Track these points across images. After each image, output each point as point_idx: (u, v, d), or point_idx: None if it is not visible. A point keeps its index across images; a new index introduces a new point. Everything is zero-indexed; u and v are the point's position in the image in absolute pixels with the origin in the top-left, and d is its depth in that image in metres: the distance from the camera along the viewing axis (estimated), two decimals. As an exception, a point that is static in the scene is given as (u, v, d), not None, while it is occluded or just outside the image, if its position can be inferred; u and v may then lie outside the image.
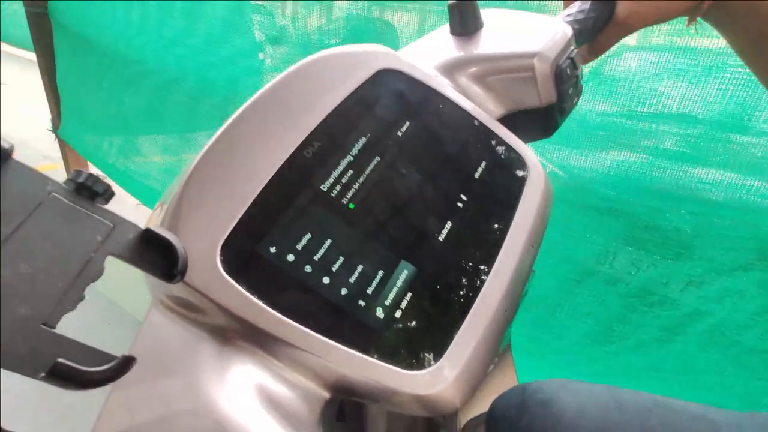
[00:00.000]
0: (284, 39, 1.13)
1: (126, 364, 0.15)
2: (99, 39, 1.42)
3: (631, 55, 0.64)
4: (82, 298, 0.15)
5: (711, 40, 0.58)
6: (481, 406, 0.50)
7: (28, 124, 2.10)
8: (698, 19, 0.38)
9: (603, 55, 0.45)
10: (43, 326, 0.14)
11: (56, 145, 1.88)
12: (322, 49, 0.27)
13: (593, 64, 0.65)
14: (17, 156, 0.14)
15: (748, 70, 0.56)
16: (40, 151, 2.15)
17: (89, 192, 0.16)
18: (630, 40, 0.63)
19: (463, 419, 0.48)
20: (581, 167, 0.70)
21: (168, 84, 1.28)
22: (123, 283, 1.25)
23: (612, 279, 0.69)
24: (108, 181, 0.17)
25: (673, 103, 0.61)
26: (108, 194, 0.17)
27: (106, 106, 1.55)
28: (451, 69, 0.32)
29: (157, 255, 0.17)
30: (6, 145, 0.14)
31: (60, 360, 0.13)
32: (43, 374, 0.13)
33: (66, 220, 0.15)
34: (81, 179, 0.16)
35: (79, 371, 0.14)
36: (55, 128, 1.84)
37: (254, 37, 1.17)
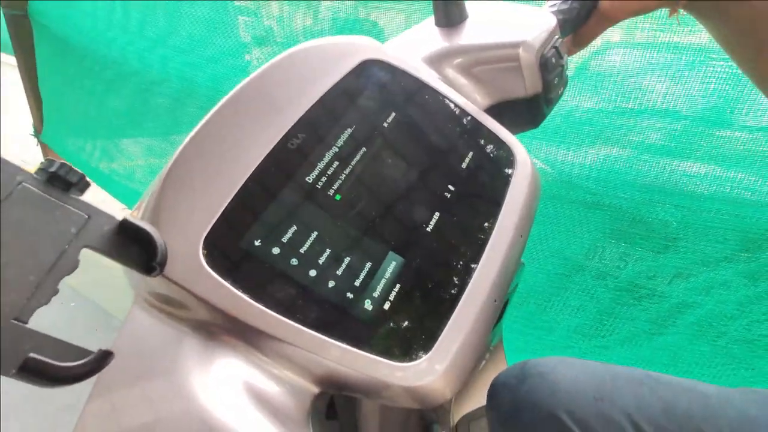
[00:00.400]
0: (270, 39, 1.13)
1: (103, 358, 0.14)
2: (81, 41, 1.40)
3: (616, 51, 0.65)
4: (56, 292, 0.14)
5: (693, 35, 0.58)
6: (474, 401, 0.50)
7: (7, 129, 2.05)
8: (680, 10, 0.38)
9: (588, 48, 0.45)
10: (14, 321, 0.13)
11: (38, 150, 1.84)
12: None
13: (579, 60, 0.65)
14: None
15: (729, 65, 0.57)
16: (21, 155, 2.11)
17: (62, 182, 0.15)
18: (614, 36, 0.64)
19: (457, 415, 0.48)
20: (569, 163, 0.70)
21: (151, 85, 1.27)
22: (109, 286, 1.23)
23: (601, 273, 0.70)
24: (88, 179, 0.16)
25: (658, 98, 0.62)
26: (83, 184, 0.16)
27: (89, 108, 1.52)
28: (437, 60, 0.32)
29: (135, 247, 0.17)
30: None
31: (32, 355, 0.13)
32: (14, 371, 0.12)
33: (37, 210, 0.15)
34: (53, 168, 0.15)
35: (53, 366, 0.13)
36: (37, 132, 1.80)
37: (239, 37, 1.16)
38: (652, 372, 0.40)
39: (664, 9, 0.39)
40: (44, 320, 0.15)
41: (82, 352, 0.14)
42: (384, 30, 0.96)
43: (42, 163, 0.15)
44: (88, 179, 0.16)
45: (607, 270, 0.70)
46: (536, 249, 0.74)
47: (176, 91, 1.21)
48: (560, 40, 0.35)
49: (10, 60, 1.84)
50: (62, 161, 0.16)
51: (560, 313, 0.74)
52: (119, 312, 1.29)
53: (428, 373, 0.20)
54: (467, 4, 0.35)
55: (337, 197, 0.23)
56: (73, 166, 0.16)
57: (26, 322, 0.13)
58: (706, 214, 0.61)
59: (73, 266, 0.15)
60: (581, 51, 0.64)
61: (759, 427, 0.35)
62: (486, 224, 0.25)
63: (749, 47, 0.39)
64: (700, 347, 0.65)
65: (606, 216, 0.68)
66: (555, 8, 0.37)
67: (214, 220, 0.20)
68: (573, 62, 0.66)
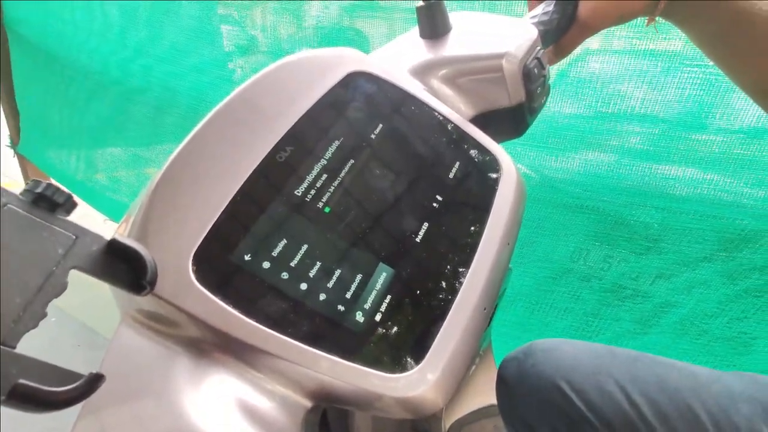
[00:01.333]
0: (254, 49, 1.12)
1: (94, 382, 0.14)
2: (61, 50, 1.37)
3: (595, 59, 0.67)
4: (44, 315, 0.14)
5: (669, 42, 0.60)
6: (465, 407, 0.51)
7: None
8: (657, 18, 0.40)
9: (569, 57, 0.46)
10: (1, 346, 0.13)
11: (15, 162, 1.79)
12: (293, 58, 0.26)
13: (560, 67, 0.67)
14: None
15: (704, 71, 0.59)
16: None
17: (49, 203, 0.15)
18: (593, 43, 0.66)
19: (448, 422, 0.48)
20: (552, 168, 0.72)
21: (133, 95, 1.25)
22: (94, 303, 1.20)
23: (586, 275, 0.71)
24: (75, 199, 0.16)
25: (636, 104, 0.64)
26: (69, 205, 0.16)
27: (68, 118, 1.49)
28: (422, 71, 0.32)
29: (124, 267, 0.17)
30: None
31: (21, 381, 0.12)
32: (3, 397, 0.12)
33: (23, 232, 0.14)
34: (39, 189, 0.15)
35: (42, 392, 0.13)
36: (14, 144, 1.76)
37: (223, 47, 1.16)
38: (647, 354, 0.45)
39: (641, 17, 0.41)
40: (26, 338, 0.14)
41: (72, 375, 0.14)
42: (368, 38, 0.96)
43: (28, 183, 0.15)
44: (75, 199, 0.16)
45: (592, 272, 0.71)
46: (523, 253, 0.75)
47: (159, 101, 1.19)
48: (542, 50, 0.36)
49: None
50: (49, 182, 0.15)
51: (548, 315, 0.75)
52: (105, 330, 1.26)
53: (420, 383, 0.20)
54: (451, 16, 0.35)
55: (327, 210, 0.23)
56: (60, 186, 0.16)
57: (14, 347, 0.13)
58: (685, 215, 0.63)
59: (62, 288, 0.15)
60: (563, 59, 0.66)
61: (741, 402, 0.38)
62: (474, 233, 0.25)
63: (724, 50, 0.41)
64: (683, 345, 0.67)
65: (589, 219, 0.70)
66: (536, 20, 0.38)
67: (203, 236, 0.20)
68: (554, 69, 0.67)
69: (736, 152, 0.59)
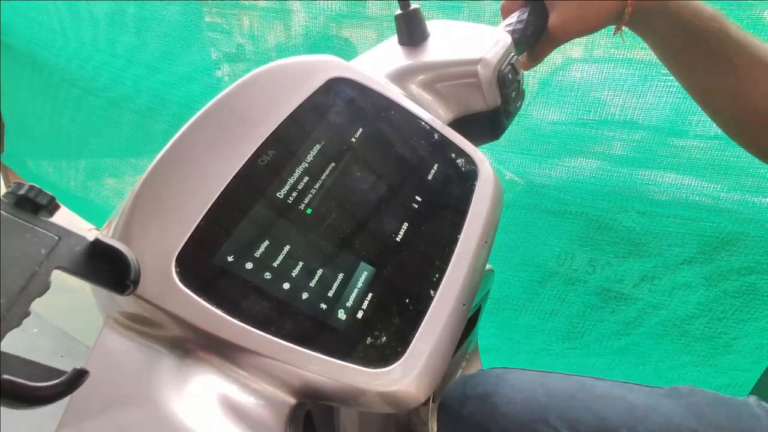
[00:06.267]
0: (241, 56, 1.13)
1: (78, 377, 0.14)
2: (48, 59, 1.36)
3: (576, 67, 0.68)
4: (27, 314, 0.14)
5: (646, 51, 0.62)
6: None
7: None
8: (624, 29, 0.42)
9: (550, 65, 0.47)
10: None
11: (-2, 171, 1.77)
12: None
13: (543, 76, 0.69)
14: None
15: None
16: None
17: (31, 204, 0.15)
18: (574, 52, 0.68)
19: (434, 425, 0.48)
20: (537, 174, 0.73)
21: (121, 102, 1.24)
22: (74, 310, 1.18)
23: (571, 279, 0.72)
24: (58, 203, 0.16)
25: (616, 111, 0.65)
26: (52, 206, 0.16)
27: (56, 128, 1.48)
28: (401, 77, 0.33)
29: (107, 267, 0.17)
30: None
31: (5, 377, 0.13)
32: None
33: (6, 234, 0.15)
34: (22, 192, 0.15)
35: (27, 387, 0.13)
36: (-3, 153, 1.73)
37: (210, 54, 1.16)
38: (587, 379, 0.44)
39: (610, 27, 0.42)
40: (7, 348, 0.14)
41: (56, 372, 0.14)
42: (355, 46, 0.97)
43: (11, 186, 0.15)
44: (57, 201, 0.16)
45: (576, 276, 0.72)
46: (509, 257, 0.76)
47: (147, 108, 1.19)
48: (516, 56, 0.37)
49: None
50: (31, 184, 0.16)
51: (534, 318, 0.76)
52: (85, 337, 1.24)
53: (402, 378, 0.20)
54: (428, 24, 0.36)
55: (308, 211, 0.23)
56: (42, 189, 0.16)
57: None
58: (666, 219, 0.65)
59: (45, 288, 0.15)
60: (545, 67, 0.67)
61: None
62: (452, 232, 0.26)
63: (680, 65, 0.43)
64: (666, 346, 0.68)
65: (574, 224, 0.71)
66: (510, 28, 0.39)
67: (186, 238, 0.20)
68: (537, 78, 0.69)
69: (714, 157, 0.61)
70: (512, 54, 0.36)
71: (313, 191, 0.24)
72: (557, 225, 0.73)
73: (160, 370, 0.19)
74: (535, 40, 0.42)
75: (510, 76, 0.35)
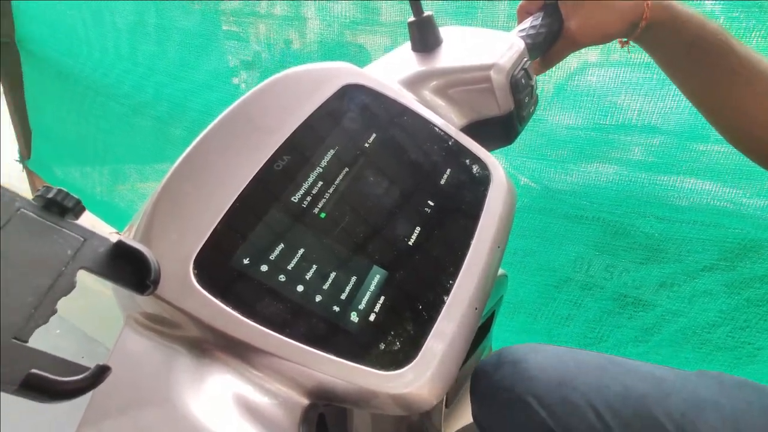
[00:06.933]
0: (258, 63, 1.15)
1: (101, 373, 0.14)
2: (74, 67, 1.41)
3: (593, 71, 0.68)
4: (54, 312, 0.15)
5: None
6: (465, 418, 0.51)
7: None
8: (631, 42, 0.42)
9: (566, 69, 0.47)
10: (14, 340, 0.13)
11: (24, 176, 1.83)
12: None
13: (558, 80, 0.68)
14: None
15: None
16: (6, 183, 2.08)
17: (59, 207, 0.16)
18: (590, 57, 0.67)
19: (449, 430, 0.48)
20: (552, 178, 0.72)
21: (142, 110, 1.28)
22: (95, 312, 1.21)
23: (588, 284, 0.71)
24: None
25: (633, 115, 0.64)
26: (78, 209, 0.17)
27: (80, 134, 1.52)
28: (414, 83, 0.34)
29: (129, 267, 0.17)
30: None
31: (33, 371, 0.13)
32: (16, 387, 0.13)
33: (35, 235, 0.15)
34: (50, 195, 0.16)
35: (53, 382, 0.13)
36: (23, 158, 1.79)
37: (228, 62, 1.18)
38: (617, 357, 0.45)
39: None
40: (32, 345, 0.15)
41: (80, 368, 0.14)
42: (369, 52, 0.98)
43: (40, 189, 0.16)
44: (82, 204, 0.17)
45: (593, 281, 0.71)
46: (524, 262, 0.75)
47: (166, 115, 1.22)
48: (529, 62, 0.37)
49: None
50: (59, 188, 0.16)
51: (550, 322, 0.75)
52: (105, 339, 1.27)
53: (414, 380, 0.21)
54: (441, 30, 0.37)
55: (322, 215, 0.24)
56: (69, 192, 0.16)
57: (26, 341, 0.14)
58: (686, 225, 0.63)
59: (70, 287, 0.15)
60: (560, 72, 0.67)
61: (706, 408, 0.39)
62: (465, 236, 0.26)
63: (684, 78, 0.44)
64: (686, 354, 0.67)
65: (590, 229, 0.70)
66: (524, 33, 0.39)
67: (204, 241, 0.21)
68: (552, 83, 0.69)
69: (736, 162, 0.60)
70: (525, 59, 0.36)
71: (326, 196, 0.24)
72: (573, 230, 0.72)
73: (178, 369, 0.20)
74: (548, 45, 0.42)
75: (523, 81, 0.35)
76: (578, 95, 0.68)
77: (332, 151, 0.26)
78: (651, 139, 0.65)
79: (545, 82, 0.68)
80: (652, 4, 0.39)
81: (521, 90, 0.35)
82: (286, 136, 0.25)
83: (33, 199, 0.16)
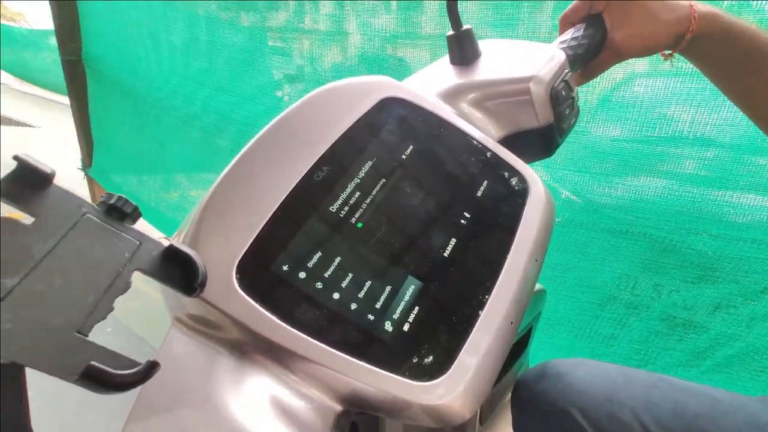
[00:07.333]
0: (301, 77, 1.19)
1: (151, 368, 0.15)
2: (133, 84, 1.52)
3: (640, 82, 0.65)
4: (111, 309, 0.16)
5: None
6: (502, 434, 0.49)
7: (57, 163, 2.19)
8: (675, 54, 0.41)
9: (610, 79, 0.46)
10: (76, 334, 0.15)
11: (84, 183, 1.97)
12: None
13: (603, 91, 0.66)
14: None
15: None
16: (69, 188, 2.24)
17: (119, 213, 0.18)
18: (637, 67, 0.65)
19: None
20: (595, 192, 0.70)
21: (192, 121, 1.35)
22: (144, 314, 1.28)
23: (633, 303, 0.68)
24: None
25: (685, 127, 0.61)
26: (135, 215, 0.18)
27: (136, 146, 1.63)
28: (452, 96, 0.34)
29: (178, 270, 0.19)
30: (48, 170, 0.16)
31: (92, 363, 0.14)
32: (76, 377, 0.14)
33: (98, 238, 0.17)
34: (112, 201, 0.17)
35: (109, 374, 0.14)
36: (85, 167, 1.93)
37: (272, 76, 1.23)
38: (667, 376, 0.43)
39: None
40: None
41: (132, 363, 0.15)
42: (410, 65, 0.99)
43: (103, 196, 0.18)
44: (139, 210, 0.18)
45: (639, 300, 0.68)
46: (565, 277, 0.73)
47: (213, 127, 1.28)
48: (570, 73, 0.36)
49: (65, 100, 2.01)
50: (119, 195, 0.18)
51: (593, 341, 0.72)
52: (152, 339, 1.34)
53: (446, 393, 0.20)
54: (480, 43, 0.37)
55: (359, 225, 0.24)
56: (128, 199, 0.18)
57: (87, 336, 0.15)
58: (743, 243, 0.59)
59: (126, 287, 0.17)
60: (605, 83, 0.65)
61: None
62: (501, 249, 0.26)
63: (735, 86, 0.42)
64: (742, 382, 0.62)
65: (636, 245, 0.67)
66: (565, 44, 0.39)
67: (246, 247, 0.22)
68: (596, 93, 0.67)
69: (800, 176, 0.55)
70: (566, 71, 0.36)
71: (364, 206, 0.25)
72: (617, 246, 0.69)
73: (219, 369, 0.20)
74: (591, 56, 0.41)
75: (564, 93, 0.34)
76: (624, 106, 0.66)
77: (370, 163, 0.26)
78: (704, 152, 0.62)
79: (588, 93, 0.66)
80: (699, 15, 0.38)
81: (561, 102, 0.34)
82: (326, 148, 0.26)
83: (97, 205, 0.18)
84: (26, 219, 0.15)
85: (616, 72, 0.63)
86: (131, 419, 0.19)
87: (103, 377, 0.14)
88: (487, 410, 0.45)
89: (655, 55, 0.61)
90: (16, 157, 0.15)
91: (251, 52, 1.21)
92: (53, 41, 1.89)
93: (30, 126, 4.31)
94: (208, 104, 1.29)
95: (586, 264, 0.72)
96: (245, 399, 0.19)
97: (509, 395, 0.49)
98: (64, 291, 0.15)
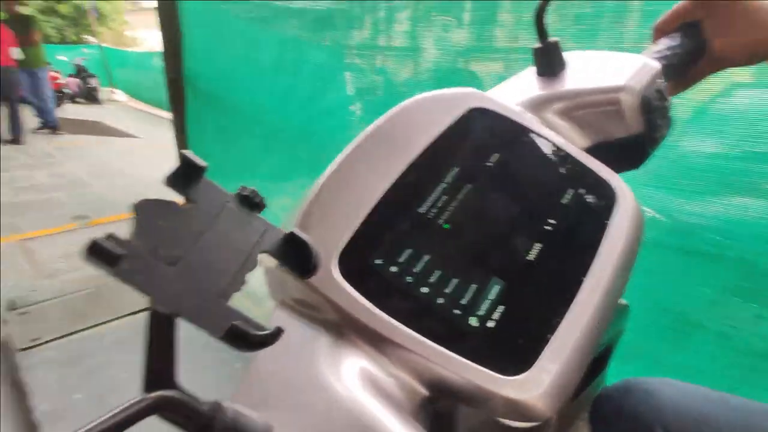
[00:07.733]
0: (374, 91, 1.24)
1: (278, 333, 0.18)
2: (227, 99, 1.68)
3: (742, 93, 0.61)
4: (244, 282, 0.19)
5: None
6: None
7: (157, 171, 2.45)
8: None
9: (707, 90, 0.44)
10: (221, 299, 0.18)
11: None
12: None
13: (699, 103, 0.62)
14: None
15: None
16: (168, 194, 2.51)
17: (250, 203, 0.21)
18: (739, 77, 0.60)
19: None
20: (684, 211, 0.65)
21: (276, 135, 1.46)
22: (248, 296, 1.38)
23: (726, 333, 0.62)
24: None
25: (792, 143, 0.56)
26: (262, 205, 0.21)
27: (228, 154, 1.79)
28: (537, 105, 0.34)
29: (296, 254, 0.21)
30: (203, 164, 0.19)
31: (235, 323, 0.17)
32: (222, 334, 0.17)
33: (236, 222, 0.20)
34: (245, 193, 0.21)
35: (248, 333, 0.17)
36: (180, 173, 2.14)
37: (347, 91, 1.30)
38: (749, 400, 0.41)
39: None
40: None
41: (262, 326, 0.18)
42: (481, 79, 1.00)
43: (239, 189, 0.21)
44: (265, 202, 0.21)
45: (734, 331, 0.62)
46: (647, 301, 0.68)
47: (295, 139, 1.37)
48: (664, 83, 0.35)
49: (166, 114, 2.26)
50: (252, 188, 0.21)
51: (674, 373, 0.67)
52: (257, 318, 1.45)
53: (531, 389, 0.21)
54: (565, 55, 0.37)
55: (446, 226, 0.26)
56: (258, 191, 0.21)
57: (228, 301, 0.18)
58: None
59: (254, 265, 0.20)
60: (700, 94, 0.61)
61: None
62: (587, 256, 0.26)
63: None
64: None
65: (731, 271, 0.61)
66: (659, 54, 0.37)
67: (346, 240, 0.25)
68: (690, 106, 0.63)
69: None
70: (659, 80, 0.35)
71: (450, 208, 0.27)
72: (708, 270, 0.64)
73: (319, 344, 0.23)
74: (686, 66, 0.39)
75: (655, 102, 0.33)
76: (723, 119, 0.61)
77: (457, 168, 0.28)
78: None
79: (680, 105, 0.62)
80: None
81: (653, 111, 0.33)
82: (418, 153, 0.28)
83: (234, 196, 0.21)
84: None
85: (713, 82, 0.59)
86: (246, 380, 0.22)
87: (243, 336, 0.17)
88: (564, 425, 0.43)
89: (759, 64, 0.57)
90: (180, 153, 0.19)
91: (330, 69, 1.29)
92: (158, 62, 2.14)
93: (135, 137, 4.88)
94: (289, 118, 1.39)
95: (669, 288, 0.67)
96: (342, 372, 0.22)
97: (586, 415, 0.48)
98: (213, 263, 0.18)
